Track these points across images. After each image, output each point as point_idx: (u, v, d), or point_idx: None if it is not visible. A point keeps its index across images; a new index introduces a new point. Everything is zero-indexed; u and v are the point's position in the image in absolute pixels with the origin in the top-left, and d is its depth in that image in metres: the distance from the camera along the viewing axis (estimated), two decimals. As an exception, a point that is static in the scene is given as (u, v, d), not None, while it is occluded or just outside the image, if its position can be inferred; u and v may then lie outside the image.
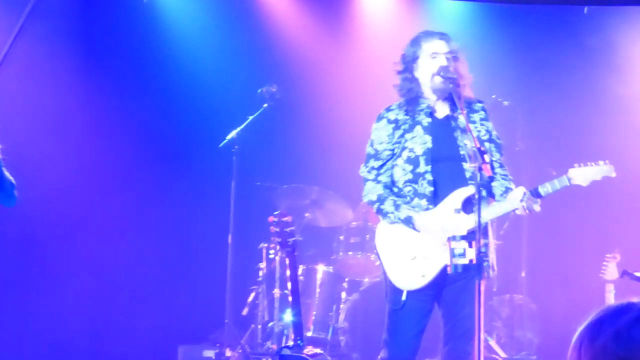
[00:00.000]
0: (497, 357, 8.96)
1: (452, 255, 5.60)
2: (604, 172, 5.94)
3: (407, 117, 6.09)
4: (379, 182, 6.09)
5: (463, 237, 5.67)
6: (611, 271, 7.27)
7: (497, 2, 10.51)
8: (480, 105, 6.23)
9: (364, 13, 10.80)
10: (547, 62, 10.51)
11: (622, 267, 7.43)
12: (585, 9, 10.60)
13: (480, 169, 5.43)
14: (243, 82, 10.12)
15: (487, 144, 6.09)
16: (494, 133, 6.22)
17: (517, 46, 10.54)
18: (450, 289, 6.00)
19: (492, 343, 9.12)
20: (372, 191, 6.10)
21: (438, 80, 6.01)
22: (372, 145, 6.17)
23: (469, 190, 5.89)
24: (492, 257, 6.10)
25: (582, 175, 5.90)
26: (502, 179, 6.14)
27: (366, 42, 10.72)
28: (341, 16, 10.76)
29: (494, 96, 9.51)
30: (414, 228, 5.94)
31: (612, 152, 9.97)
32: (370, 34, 10.74)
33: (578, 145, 10.14)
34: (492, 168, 6.02)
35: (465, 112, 5.80)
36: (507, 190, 6.02)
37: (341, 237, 9.47)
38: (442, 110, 6.14)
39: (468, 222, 5.81)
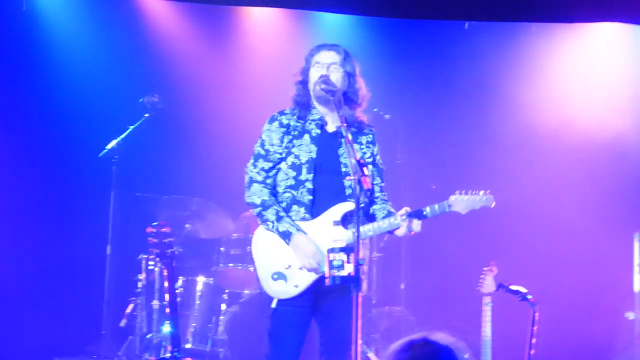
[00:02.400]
0: (375, 368, 9.02)
1: (331, 267, 5.61)
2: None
3: (298, 124, 6.11)
4: (266, 185, 6.07)
5: (342, 250, 5.70)
6: (488, 284, 7.35)
7: (379, 15, 10.58)
8: (370, 129, 6.29)
9: (247, 25, 10.78)
10: (428, 76, 10.64)
11: (499, 280, 7.53)
12: (466, 24, 10.77)
13: (360, 182, 5.45)
14: (124, 91, 10.00)
15: (370, 167, 6.13)
16: (378, 158, 6.28)
17: (399, 59, 10.64)
18: (327, 300, 6.01)
19: (371, 355, 9.16)
20: (257, 194, 6.07)
21: (317, 89, 6.04)
22: (262, 145, 6.14)
23: (349, 205, 5.93)
24: (365, 268, 6.15)
25: (461, 203, 6.01)
26: (382, 202, 6.22)
27: (249, 54, 10.70)
28: (225, 28, 10.72)
29: (375, 109, 9.56)
30: (287, 244, 5.95)
31: (491, 166, 10.20)
32: (253, 46, 10.73)
33: (457, 159, 10.29)
34: (373, 192, 6.12)
35: (345, 124, 5.81)
36: (390, 213, 6.10)
37: (222, 249, 9.42)
38: (332, 124, 6.17)
39: (347, 235, 5.83)
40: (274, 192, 6.10)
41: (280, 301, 6.00)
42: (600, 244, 10.43)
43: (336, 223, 5.93)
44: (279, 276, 5.98)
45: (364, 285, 6.11)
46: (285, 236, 5.95)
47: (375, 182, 6.17)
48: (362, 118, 6.23)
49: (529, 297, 6.93)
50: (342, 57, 6.14)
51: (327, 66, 6.09)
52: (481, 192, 6.04)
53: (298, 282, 5.95)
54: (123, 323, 9.24)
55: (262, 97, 9.75)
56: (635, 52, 11.05)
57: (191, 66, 10.48)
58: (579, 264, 10.49)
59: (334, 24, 10.78)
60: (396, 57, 10.63)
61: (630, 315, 10.83)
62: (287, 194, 6.05)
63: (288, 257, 5.98)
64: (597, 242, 10.42)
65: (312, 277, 5.92)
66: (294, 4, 10.59)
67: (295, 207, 6.02)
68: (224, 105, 10.41)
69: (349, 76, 6.15)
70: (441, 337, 3.17)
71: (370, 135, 6.27)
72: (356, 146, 6.02)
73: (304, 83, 6.19)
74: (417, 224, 5.94)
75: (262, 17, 10.74)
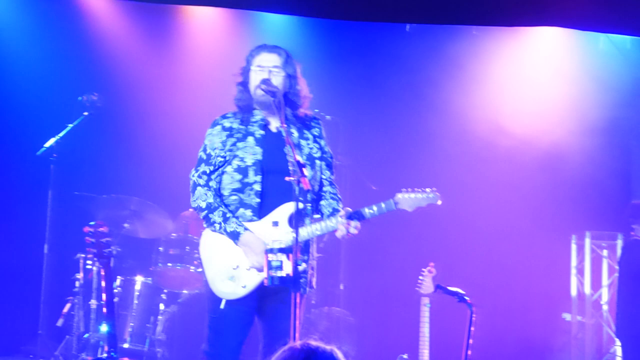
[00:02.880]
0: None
1: (269, 267, 5.64)
2: (430, 200, 6.09)
3: (242, 127, 6.10)
4: (209, 188, 6.05)
5: (281, 250, 5.70)
6: (427, 285, 7.37)
7: (322, 17, 10.58)
8: (316, 122, 6.29)
9: (189, 24, 10.74)
10: (370, 78, 10.68)
11: (438, 281, 7.57)
12: (408, 26, 10.83)
13: (299, 182, 5.45)
14: (63, 89, 9.92)
15: (318, 162, 6.14)
16: (327, 150, 6.28)
17: (342, 61, 10.68)
18: (270, 301, 6.01)
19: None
20: (202, 197, 6.05)
21: (259, 92, 6.04)
22: (204, 150, 6.13)
23: (294, 205, 5.90)
24: (311, 273, 6.14)
25: (408, 201, 6.03)
26: (331, 198, 6.22)
27: (191, 53, 10.67)
28: (166, 26, 10.67)
29: (316, 110, 9.53)
30: (236, 244, 5.93)
31: (430, 168, 10.26)
32: (195, 45, 10.69)
33: (398, 161, 10.34)
34: (322, 185, 6.11)
35: (285, 126, 5.81)
36: (335, 211, 6.11)
37: (160, 249, 9.38)
38: (276, 124, 6.16)
39: (288, 235, 5.83)
40: (219, 195, 6.08)
41: (227, 301, 5.98)
42: (538, 246, 10.55)
43: (275, 224, 5.92)
44: (227, 276, 5.96)
45: (313, 282, 6.14)
46: (234, 236, 5.94)
47: (324, 176, 6.17)
48: (306, 112, 6.22)
49: (467, 298, 6.96)
50: (284, 60, 6.14)
51: (268, 70, 6.09)
52: (427, 190, 6.07)
53: (246, 282, 5.95)
54: (60, 323, 9.14)
55: (204, 97, 9.74)
56: (574, 56, 11.18)
57: (132, 65, 10.42)
58: (517, 265, 10.59)
59: (276, 24, 10.78)
60: (338, 58, 10.66)
61: (567, 317, 10.96)
62: (234, 197, 6.04)
63: (236, 258, 5.98)
64: (534, 244, 10.53)
65: (259, 277, 5.92)
66: (237, 4, 10.56)
67: (242, 209, 6.01)
68: (164, 104, 10.36)
69: (290, 78, 6.15)
70: (320, 343, 3.23)
71: (317, 129, 6.27)
72: (303, 142, 6.04)
73: (244, 84, 6.18)
74: (354, 228, 5.96)
75: (204, 16, 10.71)
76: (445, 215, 9.89)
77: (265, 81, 6.02)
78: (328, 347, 3.21)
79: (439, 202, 6.09)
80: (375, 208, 5.98)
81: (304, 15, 10.67)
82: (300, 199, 5.53)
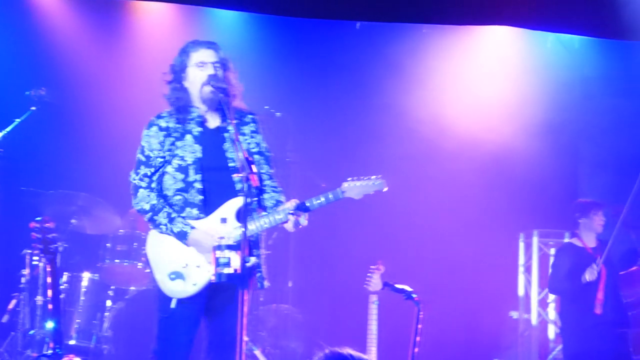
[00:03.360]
0: (261, 366, 9.02)
1: (217, 264, 5.61)
2: (377, 187, 6.07)
3: (179, 126, 6.04)
4: (152, 190, 6.00)
5: (229, 247, 5.67)
6: (375, 282, 7.38)
7: (272, 13, 10.57)
8: (251, 117, 6.22)
9: (138, 20, 10.68)
10: (320, 75, 10.68)
11: (386, 278, 7.58)
12: (358, 24, 10.84)
13: (247, 179, 5.43)
14: (10, 84, 9.82)
15: (256, 157, 6.10)
16: (264, 145, 6.24)
17: (291, 58, 10.66)
18: (218, 299, 5.97)
19: (257, 353, 9.15)
20: (144, 200, 6.00)
21: (207, 89, 5.98)
22: (142, 152, 6.06)
23: (240, 201, 5.88)
24: (264, 267, 6.13)
25: (355, 189, 6.02)
26: (273, 191, 6.18)
27: (139, 49, 10.60)
28: (115, 22, 10.60)
29: (266, 107, 9.58)
30: (185, 243, 5.90)
31: (379, 165, 10.26)
32: (144, 41, 10.62)
33: (347, 157, 10.34)
34: (261, 180, 6.06)
35: (234, 122, 5.79)
36: (278, 202, 6.08)
37: (108, 245, 9.32)
38: (214, 120, 6.11)
39: (236, 232, 5.80)
40: (162, 196, 6.03)
41: (178, 300, 5.94)
42: (485, 244, 10.60)
43: (223, 220, 5.90)
44: (177, 276, 5.91)
45: (266, 283, 6.13)
46: (182, 236, 5.90)
47: (262, 171, 6.13)
48: (240, 106, 6.17)
49: (414, 295, 6.98)
50: (221, 55, 6.11)
51: (211, 66, 6.05)
52: (373, 177, 6.06)
53: (196, 280, 5.90)
54: (5, 319, 9.07)
55: (151, 93, 9.64)
56: (522, 55, 11.26)
57: (80, 60, 10.34)
58: (465, 264, 10.64)
59: (226, 20, 10.74)
60: (288, 55, 10.65)
61: (515, 315, 11.04)
62: (178, 197, 5.99)
63: (184, 256, 5.93)
64: (482, 243, 10.59)
65: (209, 274, 5.87)
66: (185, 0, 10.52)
67: (188, 209, 5.96)
68: (112, 100, 10.29)
69: (227, 72, 6.11)
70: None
71: (253, 124, 6.21)
72: (241, 138, 5.97)
73: (179, 82, 6.13)
74: (304, 217, 5.95)
75: (153, 11, 10.65)
76: (394, 213, 9.95)
77: (214, 77, 5.98)
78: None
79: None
80: (322, 198, 5.95)
81: (253, 11, 10.66)
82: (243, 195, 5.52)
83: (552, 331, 11.13)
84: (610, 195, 10.72)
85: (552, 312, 11.08)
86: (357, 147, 10.63)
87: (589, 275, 9.02)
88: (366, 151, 10.63)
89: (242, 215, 5.50)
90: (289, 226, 5.98)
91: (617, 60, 11.23)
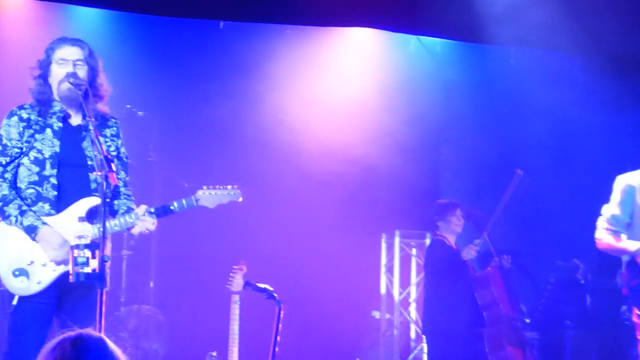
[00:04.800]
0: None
1: (75, 263, 5.50)
2: (231, 197, 6.15)
3: (40, 119, 5.96)
4: (4, 180, 5.89)
5: (86, 246, 5.60)
6: (237, 282, 7.38)
7: (133, 11, 10.46)
8: (114, 121, 6.21)
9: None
10: (182, 75, 10.61)
11: (249, 278, 7.58)
12: (221, 23, 10.81)
13: (107, 177, 5.38)
14: None
15: (115, 161, 6.04)
16: (123, 151, 6.21)
17: (154, 57, 10.56)
18: (70, 298, 5.90)
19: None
20: None
21: (64, 86, 5.92)
22: (0, 141, 5.96)
23: (94, 200, 5.84)
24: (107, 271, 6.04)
25: (209, 197, 6.09)
26: (125, 198, 6.17)
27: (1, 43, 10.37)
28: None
29: (128, 106, 9.48)
30: (33, 238, 5.80)
31: (242, 166, 10.27)
32: (5, 36, 10.39)
33: (209, 158, 10.31)
34: (116, 186, 6.01)
35: (93, 120, 5.72)
36: (129, 210, 6.06)
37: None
38: (76, 118, 6.05)
39: (92, 231, 5.73)
40: (15, 188, 5.92)
41: (22, 297, 5.83)
42: (348, 244, 10.67)
43: (81, 219, 5.82)
44: (21, 272, 5.81)
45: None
46: (31, 230, 5.80)
47: (119, 177, 6.08)
48: (104, 110, 6.14)
49: (276, 295, 7.00)
50: (87, 53, 6.05)
51: (72, 63, 5.98)
52: (229, 187, 6.13)
53: (41, 278, 5.81)
54: None
55: (8, 88, 9.47)
56: (385, 57, 11.39)
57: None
58: (328, 264, 10.69)
59: (86, 17, 10.57)
60: (151, 54, 10.54)
61: (376, 314, 11.16)
62: (31, 190, 5.89)
63: (30, 253, 5.83)
64: (345, 243, 10.65)
65: (55, 273, 5.80)
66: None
67: (40, 203, 5.87)
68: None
69: (93, 71, 6.05)
70: (92, 332, 3.26)
71: (115, 128, 6.19)
72: (101, 139, 5.91)
73: (44, 77, 6.05)
74: (151, 223, 5.94)
75: (12, 5, 10.41)
76: (257, 212, 9.94)
77: (72, 75, 5.90)
78: (96, 334, 3.26)
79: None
80: (176, 204, 6.00)
81: (116, 9, 10.53)
82: (108, 194, 5.47)
83: (413, 331, 11.28)
84: (470, 197, 10.94)
85: (413, 312, 11.24)
86: (220, 148, 10.60)
87: (466, 254, 9.20)
88: (228, 153, 10.60)
89: (100, 215, 5.45)
90: (136, 230, 6.00)
91: (477, 64, 11.45)
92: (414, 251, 11.34)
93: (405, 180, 11.19)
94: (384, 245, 11.37)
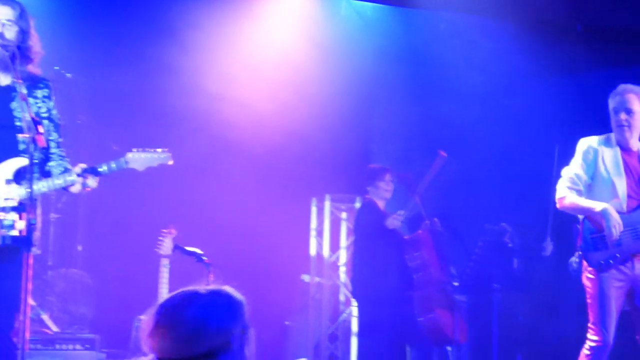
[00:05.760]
0: (48, 331, 8.85)
1: (1, 226, 5.46)
2: (161, 160, 6.12)
3: (-33, 79, 5.87)
4: None
5: (14, 209, 5.53)
6: (167, 246, 7.39)
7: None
8: (45, 83, 6.11)
9: None
10: (110, 35, 10.47)
11: (179, 242, 7.57)
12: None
13: (34, 140, 5.32)
14: None
15: (45, 122, 5.97)
16: (54, 113, 6.12)
17: (82, 17, 10.41)
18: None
19: (45, 317, 8.98)
20: None
21: (-8, 46, 5.82)
22: None
23: (22, 161, 5.75)
24: (38, 234, 5.97)
25: (139, 160, 6.04)
26: (60, 159, 6.08)
27: None
28: None
29: (56, 68, 9.37)
30: None
31: (173, 128, 10.21)
32: None
33: (138, 121, 10.22)
34: (49, 147, 5.96)
35: (20, 81, 5.64)
36: (66, 170, 5.99)
37: None
38: (5, 78, 5.95)
39: (19, 193, 5.66)
40: None
41: None
42: (278, 208, 10.68)
43: (8, 182, 5.74)
44: None
45: (34, 249, 5.98)
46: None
47: (51, 138, 6.01)
48: (35, 71, 6.05)
49: (205, 258, 7.00)
50: (18, 13, 5.94)
51: (1, 23, 5.87)
52: (159, 150, 6.10)
53: None
54: None
55: None
56: (316, 23, 11.35)
57: None
58: (258, 227, 10.69)
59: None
60: (79, 15, 10.39)
61: (306, 278, 11.20)
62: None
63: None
64: (275, 207, 10.66)
65: (-23, 236, 5.71)
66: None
67: (-32, 166, 5.79)
68: None
69: (23, 33, 5.95)
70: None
71: (46, 90, 6.09)
72: (31, 100, 5.84)
73: None
74: (92, 181, 5.89)
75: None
76: (186, 175, 9.89)
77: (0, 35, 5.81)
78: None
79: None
80: (105, 167, 5.95)
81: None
82: (35, 155, 5.41)
83: (342, 294, 11.34)
84: (401, 161, 10.99)
85: (342, 276, 11.30)
86: (149, 112, 10.50)
87: (390, 223, 9.25)
88: (159, 115, 10.52)
89: (27, 176, 5.39)
90: (76, 188, 5.92)
91: (408, 29, 11.45)
92: (344, 215, 11.38)
93: (336, 145, 11.22)
94: (314, 209, 11.40)
